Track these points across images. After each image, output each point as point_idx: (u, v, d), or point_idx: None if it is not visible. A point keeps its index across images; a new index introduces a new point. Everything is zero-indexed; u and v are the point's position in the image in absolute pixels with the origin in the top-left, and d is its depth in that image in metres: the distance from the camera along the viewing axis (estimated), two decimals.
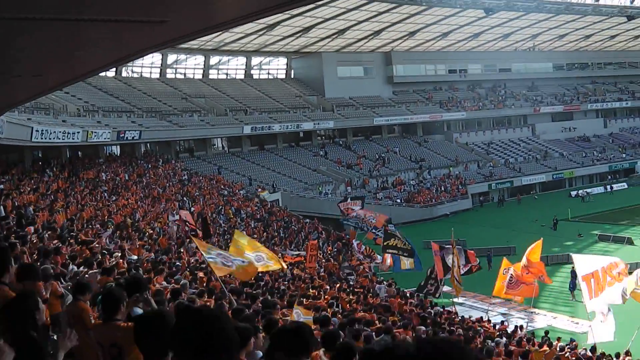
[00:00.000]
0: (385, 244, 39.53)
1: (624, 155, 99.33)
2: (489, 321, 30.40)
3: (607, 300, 26.32)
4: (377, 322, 19.85)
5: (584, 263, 27.40)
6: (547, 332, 27.51)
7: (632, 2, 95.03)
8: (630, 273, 27.19)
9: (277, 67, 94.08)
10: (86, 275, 13.58)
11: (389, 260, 41.82)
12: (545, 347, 22.74)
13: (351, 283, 34.52)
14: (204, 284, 19.89)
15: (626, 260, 45.04)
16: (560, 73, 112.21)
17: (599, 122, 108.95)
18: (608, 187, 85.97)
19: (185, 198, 52.05)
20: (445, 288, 38.09)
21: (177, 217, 40.17)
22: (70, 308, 8.85)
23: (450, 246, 34.59)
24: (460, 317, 29.95)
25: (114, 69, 71.81)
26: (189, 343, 3.35)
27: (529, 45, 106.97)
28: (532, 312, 36.45)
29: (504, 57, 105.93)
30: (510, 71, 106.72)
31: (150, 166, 61.48)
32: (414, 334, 18.93)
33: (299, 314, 15.72)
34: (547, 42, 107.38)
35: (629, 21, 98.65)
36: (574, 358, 21.37)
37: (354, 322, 17.29)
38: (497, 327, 28.68)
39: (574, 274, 40.27)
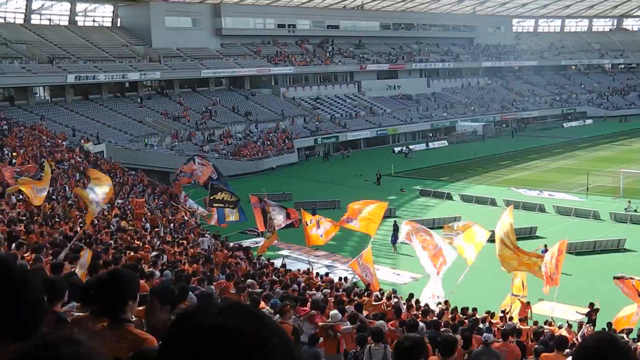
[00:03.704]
0: (212, 198, 39.28)
1: (445, 114, 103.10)
2: (312, 272, 30.78)
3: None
4: (200, 273, 20.00)
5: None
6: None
7: None
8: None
9: (102, 14, 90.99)
10: None
11: (215, 216, 41.45)
12: (364, 298, 23.25)
13: (176, 235, 34.20)
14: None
15: (444, 215, 47.30)
16: (387, 32, 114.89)
17: (422, 82, 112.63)
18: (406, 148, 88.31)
19: (5, 149, 49.87)
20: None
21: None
22: None
23: (266, 200, 35.32)
24: (285, 270, 30.20)
25: None
26: None
27: (357, 4, 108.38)
28: None
29: (333, 14, 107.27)
30: (339, 28, 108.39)
31: None
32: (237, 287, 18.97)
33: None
34: (375, 1, 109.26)
35: None
36: (390, 308, 21.96)
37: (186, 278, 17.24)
38: (322, 278, 29.09)
39: (395, 227, 41.58)
